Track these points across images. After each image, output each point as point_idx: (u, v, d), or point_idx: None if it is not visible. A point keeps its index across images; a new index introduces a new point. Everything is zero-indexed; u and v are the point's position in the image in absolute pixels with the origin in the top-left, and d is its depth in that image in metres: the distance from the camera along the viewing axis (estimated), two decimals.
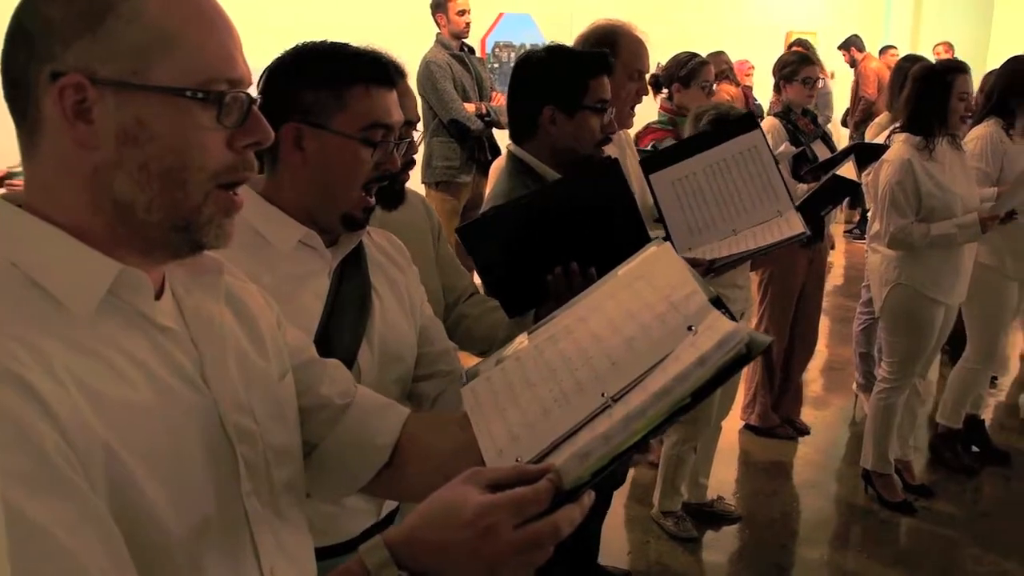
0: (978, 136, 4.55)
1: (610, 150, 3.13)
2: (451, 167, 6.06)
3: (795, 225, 2.55)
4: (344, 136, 1.67)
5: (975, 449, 5.13)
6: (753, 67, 9.49)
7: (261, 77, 1.72)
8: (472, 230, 2.17)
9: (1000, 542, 4.34)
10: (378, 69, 1.70)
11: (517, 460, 1.17)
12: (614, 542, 4.14)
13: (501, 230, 2.16)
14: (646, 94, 3.17)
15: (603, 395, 1.19)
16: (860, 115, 9.86)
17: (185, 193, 1.08)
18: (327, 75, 1.67)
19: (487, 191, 2.82)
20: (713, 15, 10.31)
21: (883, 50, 10.90)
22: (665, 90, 4.83)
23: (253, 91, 1.14)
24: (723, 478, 4.69)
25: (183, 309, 1.18)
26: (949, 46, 11.29)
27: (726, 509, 4.37)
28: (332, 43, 1.73)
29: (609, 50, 3.05)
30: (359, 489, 1.47)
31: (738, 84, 8.66)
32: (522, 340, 1.44)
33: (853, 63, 10.71)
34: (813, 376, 6.33)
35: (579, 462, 1.05)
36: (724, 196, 2.61)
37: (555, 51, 2.58)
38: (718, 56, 8.28)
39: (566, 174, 2.48)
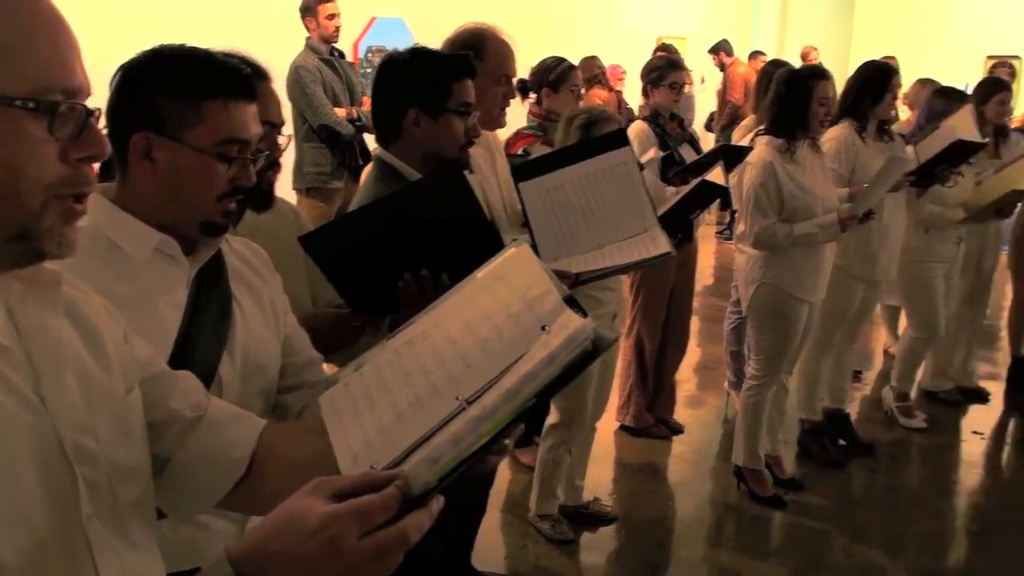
0: (832, 137, 4.68)
1: (478, 154, 3.13)
2: (322, 173, 5.99)
3: (660, 244, 2.60)
4: (198, 150, 1.61)
5: (842, 442, 5.28)
6: (625, 71, 9.62)
7: (114, 77, 1.65)
8: (315, 238, 2.14)
9: (867, 533, 4.48)
10: (238, 82, 1.64)
11: (372, 467, 1.15)
12: (491, 547, 4.13)
13: (347, 238, 2.14)
14: (513, 97, 3.17)
15: (458, 398, 1.18)
16: (726, 119, 10.10)
17: (18, 205, 1.03)
18: (184, 85, 1.60)
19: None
20: (586, 20, 10.42)
21: (752, 55, 11.19)
22: (534, 95, 4.85)
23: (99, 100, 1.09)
24: (599, 479, 4.73)
25: (17, 324, 1.12)
26: (816, 51, 11.68)
27: (602, 510, 4.40)
28: (191, 49, 1.65)
29: (476, 54, 3.06)
30: (216, 504, 1.43)
31: (611, 89, 8.79)
32: (382, 345, 1.43)
33: (722, 67, 10.97)
34: (687, 376, 6.43)
35: (428, 466, 1.03)
36: (592, 210, 2.64)
37: (419, 53, 2.56)
38: (591, 61, 8.40)
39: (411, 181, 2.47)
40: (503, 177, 3.14)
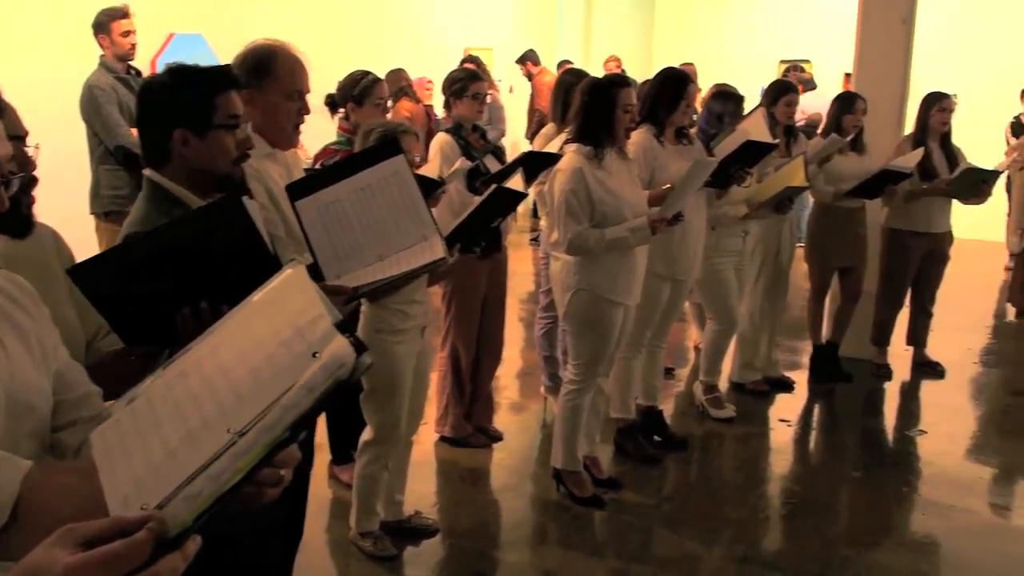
0: (632, 143, 4.79)
1: (275, 171, 3.09)
2: (119, 196, 5.75)
3: (437, 250, 2.60)
4: None
5: (657, 438, 5.42)
6: (432, 82, 9.65)
7: None
8: (83, 271, 2.05)
9: (685, 524, 4.62)
10: None
11: (143, 507, 1.11)
12: (314, 568, 4.07)
13: (118, 270, 2.05)
14: (308, 113, 3.12)
15: (229, 431, 1.14)
16: (536, 127, 10.24)
17: None
18: None
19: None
20: (393, 32, 10.39)
21: (560, 64, 11.36)
22: (342, 110, 4.82)
23: None
24: (421, 492, 4.71)
25: None
26: (618, 61, 11.97)
27: (423, 523, 4.38)
28: None
29: (266, 71, 3.01)
30: None
31: (418, 101, 8.80)
32: (156, 376, 1.37)
33: (530, 77, 11.12)
34: (507, 382, 6.50)
35: (186, 505, 1.00)
36: (370, 222, 2.61)
37: (177, 72, 2.48)
38: (397, 73, 8.40)
39: (185, 212, 2.39)
40: None
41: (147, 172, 2.50)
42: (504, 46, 11.92)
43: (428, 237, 2.63)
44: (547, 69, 11.05)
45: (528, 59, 11.16)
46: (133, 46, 5.99)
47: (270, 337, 1.25)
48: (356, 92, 4.71)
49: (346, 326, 1.21)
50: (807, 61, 12.95)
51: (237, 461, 1.03)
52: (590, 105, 4.39)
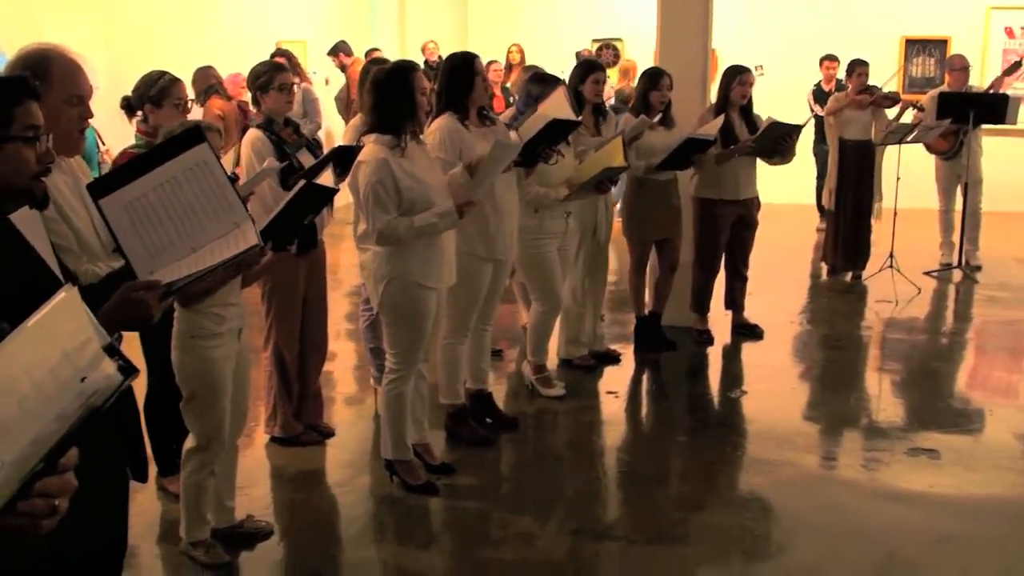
0: (436, 128, 4.82)
1: (62, 181, 2.99)
2: None
3: (250, 237, 2.55)
4: None
5: (488, 420, 5.47)
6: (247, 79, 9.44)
7: None
8: None
9: (521, 502, 4.70)
10: None
11: None
12: None
13: None
14: (91, 117, 3.01)
15: None
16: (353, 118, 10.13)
17: None
18: None
19: None
20: (200, 29, 10.08)
21: (368, 53, 11.26)
22: (140, 112, 4.67)
23: None
24: (254, 496, 4.65)
25: None
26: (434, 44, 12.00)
27: (256, 526, 4.31)
28: None
29: (41, 77, 2.88)
30: None
31: (230, 98, 8.60)
32: None
33: (343, 68, 11.01)
34: (338, 376, 6.46)
35: None
36: (180, 214, 2.53)
37: None
38: (206, 71, 8.19)
39: None
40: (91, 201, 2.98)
41: None
42: (318, 38, 11.76)
43: (240, 225, 2.55)
44: (361, 59, 10.95)
45: (340, 50, 11.05)
46: None
47: (39, 363, 1.23)
48: (153, 93, 4.55)
49: (114, 349, 1.19)
50: (619, 39, 13.24)
51: None
52: (387, 92, 4.37)
